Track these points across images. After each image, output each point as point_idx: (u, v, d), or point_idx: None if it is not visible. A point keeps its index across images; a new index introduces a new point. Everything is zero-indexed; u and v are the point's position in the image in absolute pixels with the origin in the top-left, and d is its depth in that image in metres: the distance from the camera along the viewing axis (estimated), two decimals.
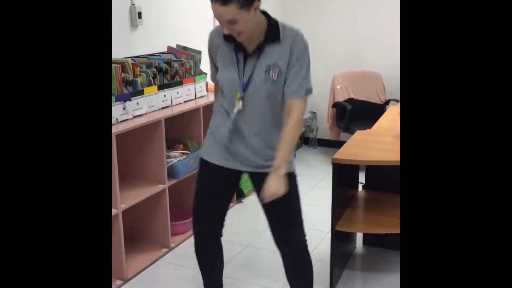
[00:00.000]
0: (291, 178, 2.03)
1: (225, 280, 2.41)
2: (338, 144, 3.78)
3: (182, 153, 3.15)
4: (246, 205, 3.66)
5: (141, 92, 2.84)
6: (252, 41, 1.88)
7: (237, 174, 2.11)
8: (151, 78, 2.97)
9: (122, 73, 2.76)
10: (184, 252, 3.04)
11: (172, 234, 3.11)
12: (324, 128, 4.90)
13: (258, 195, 2.09)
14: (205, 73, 3.32)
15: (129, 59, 2.86)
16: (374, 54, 4.72)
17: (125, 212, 2.72)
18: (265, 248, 3.09)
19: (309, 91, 1.93)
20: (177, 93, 3.13)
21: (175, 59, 3.23)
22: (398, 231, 2.55)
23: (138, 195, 2.81)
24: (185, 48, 3.39)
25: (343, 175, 2.61)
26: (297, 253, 2.15)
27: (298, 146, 4.94)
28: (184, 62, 3.25)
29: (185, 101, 3.21)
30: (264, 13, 1.90)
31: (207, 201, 2.11)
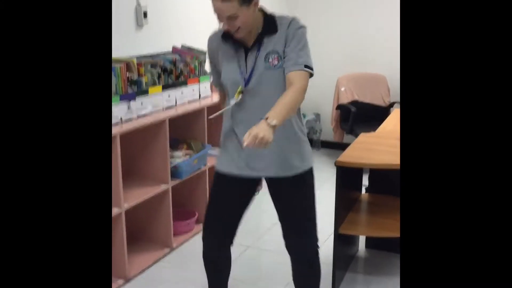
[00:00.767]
0: (310, 175, 2.02)
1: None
2: (341, 146, 3.78)
3: (186, 153, 3.15)
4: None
5: (145, 92, 2.84)
6: (251, 36, 1.89)
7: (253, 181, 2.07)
8: (155, 78, 2.97)
9: (127, 73, 2.76)
10: (186, 253, 3.04)
11: (175, 234, 3.11)
12: (328, 130, 4.89)
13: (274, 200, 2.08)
14: (210, 74, 3.32)
15: (134, 59, 2.86)
16: (379, 56, 4.71)
17: (128, 212, 2.72)
18: (267, 249, 3.09)
19: (308, 67, 1.85)
20: (182, 93, 3.13)
21: (180, 59, 3.23)
22: None
23: (141, 195, 2.81)
24: (190, 49, 3.39)
25: (347, 178, 2.61)
26: (308, 258, 2.11)
27: None
28: (189, 62, 3.25)
29: (189, 101, 3.21)
30: (260, 9, 1.91)
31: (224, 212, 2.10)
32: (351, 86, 4.60)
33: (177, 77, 3.15)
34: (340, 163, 2.45)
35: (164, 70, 3.05)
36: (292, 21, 1.88)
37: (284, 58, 1.86)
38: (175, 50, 3.35)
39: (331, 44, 4.89)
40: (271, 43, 1.88)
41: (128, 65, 2.78)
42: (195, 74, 3.30)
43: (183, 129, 3.24)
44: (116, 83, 2.69)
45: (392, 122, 3.17)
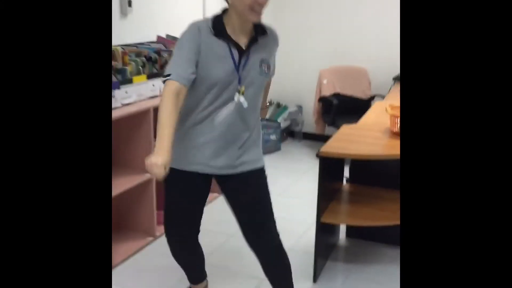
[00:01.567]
0: (264, 174, 2.07)
1: (209, 269, 2.45)
2: (323, 138, 3.83)
3: None
4: None
5: (130, 81, 2.84)
6: (244, 35, 1.91)
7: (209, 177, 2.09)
8: (140, 67, 2.97)
9: (112, 61, 2.76)
10: None
11: (158, 223, 3.12)
12: (310, 122, 4.94)
13: (229, 198, 2.11)
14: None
15: (119, 48, 2.86)
16: (361, 50, 4.77)
17: (112, 200, 2.73)
18: None
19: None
20: None
21: (164, 49, 3.23)
22: (381, 224, 2.62)
23: (125, 184, 2.82)
24: (174, 38, 3.39)
25: (329, 168, 2.66)
26: (272, 252, 2.12)
27: (283, 139, 4.99)
28: None
29: None
30: None
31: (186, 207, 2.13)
32: (333, 78, 4.65)
33: (162, 67, 3.15)
34: (323, 154, 2.49)
35: (149, 59, 3.05)
36: (276, 35, 2.04)
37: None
38: (159, 39, 3.35)
39: (314, 38, 4.93)
40: (265, 48, 1.95)
41: (112, 54, 2.77)
42: None
43: None
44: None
45: (373, 115, 3.23)
